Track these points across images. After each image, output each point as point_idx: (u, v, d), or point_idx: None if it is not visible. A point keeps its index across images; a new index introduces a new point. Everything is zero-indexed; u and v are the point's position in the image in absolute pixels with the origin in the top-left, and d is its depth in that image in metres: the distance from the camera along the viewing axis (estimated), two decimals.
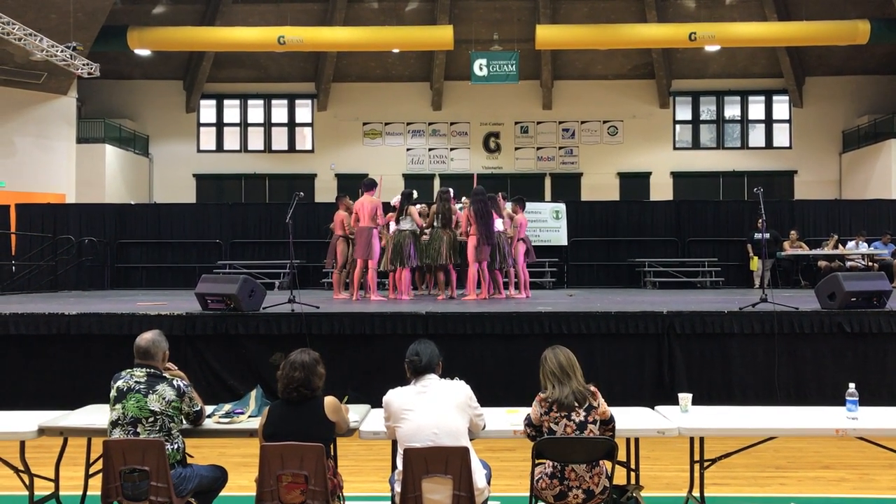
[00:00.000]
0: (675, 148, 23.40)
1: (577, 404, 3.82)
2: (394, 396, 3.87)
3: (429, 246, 10.36)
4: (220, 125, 23.73)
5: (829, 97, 22.74)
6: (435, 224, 10.36)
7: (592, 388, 3.92)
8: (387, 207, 10.88)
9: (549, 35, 20.02)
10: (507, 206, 11.12)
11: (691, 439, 4.45)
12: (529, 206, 12.92)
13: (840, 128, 22.73)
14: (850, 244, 14.53)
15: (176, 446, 3.98)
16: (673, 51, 22.33)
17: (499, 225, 10.42)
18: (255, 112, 23.79)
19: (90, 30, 18.02)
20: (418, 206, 11.06)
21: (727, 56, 22.42)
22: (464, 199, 11.67)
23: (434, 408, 3.76)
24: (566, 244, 15.63)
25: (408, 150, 23.33)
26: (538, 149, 23.24)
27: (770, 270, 13.75)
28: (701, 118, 23.61)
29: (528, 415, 3.99)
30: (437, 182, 22.12)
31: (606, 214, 16.20)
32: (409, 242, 10.19)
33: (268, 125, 23.79)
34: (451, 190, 10.66)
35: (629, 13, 21.39)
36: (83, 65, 16.79)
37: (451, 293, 10.58)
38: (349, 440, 4.30)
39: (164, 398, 3.96)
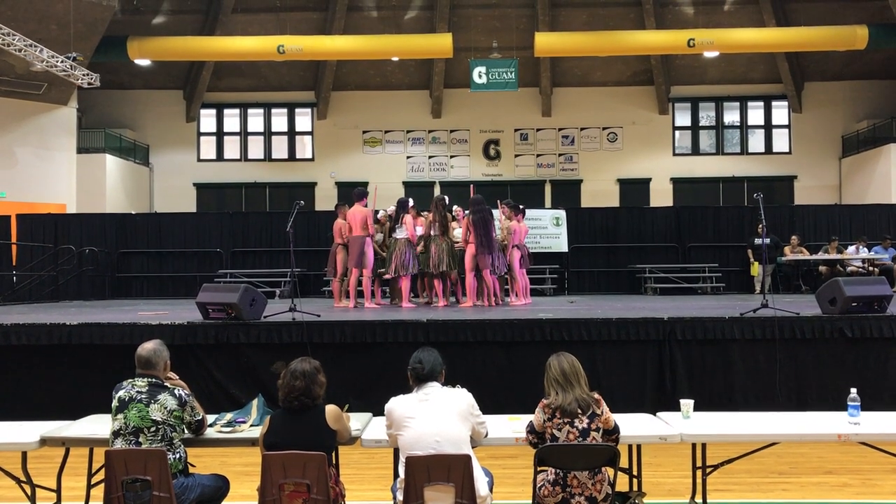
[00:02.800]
0: (674, 154, 23.42)
1: (580, 411, 3.82)
2: (396, 404, 3.87)
3: (426, 254, 10.40)
4: (220, 134, 23.77)
5: (828, 102, 22.77)
6: (432, 232, 10.38)
7: (596, 396, 3.92)
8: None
9: (548, 42, 20.07)
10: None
11: (693, 445, 4.44)
12: (529, 213, 12.93)
13: (839, 133, 22.76)
14: (851, 249, 14.52)
15: (178, 456, 3.98)
16: (672, 57, 22.37)
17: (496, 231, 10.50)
18: (255, 121, 23.83)
19: (90, 40, 18.06)
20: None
21: (726, 62, 22.46)
22: (455, 207, 11.67)
23: (436, 416, 3.75)
24: (566, 251, 15.63)
25: (408, 157, 23.36)
26: (538, 156, 23.27)
27: (771, 276, 13.79)
28: (700, 124, 23.64)
29: (531, 422, 3.98)
30: (437, 189, 22.15)
31: (606, 221, 16.19)
32: (405, 250, 10.26)
33: (268, 134, 23.83)
34: (446, 198, 10.71)
35: (628, 20, 21.44)
36: (83, 75, 16.84)
37: (445, 301, 10.61)
38: (351, 448, 4.30)
39: (165, 407, 3.96)
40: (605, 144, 23.24)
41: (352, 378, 7.18)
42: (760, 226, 8.72)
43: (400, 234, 10.34)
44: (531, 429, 3.97)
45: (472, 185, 11.60)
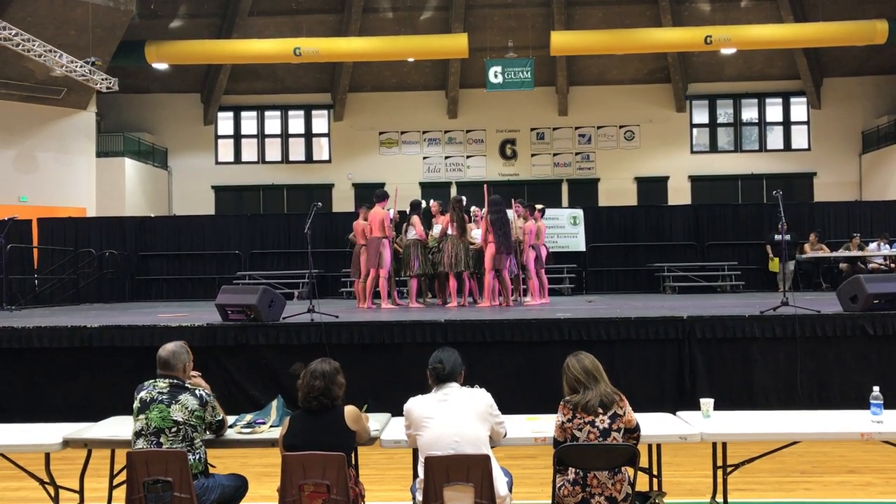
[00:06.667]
0: (692, 152, 23.29)
1: (601, 410, 3.79)
2: (414, 404, 3.87)
3: (443, 253, 10.40)
4: (237, 137, 23.91)
5: (847, 98, 22.56)
6: (449, 231, 10.37)
7: (620, 395, 3.89)
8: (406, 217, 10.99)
9: (563, 41, 20.02)
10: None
11: (714, 444, 4.41)
12: (547, 212, 12.89)
13: (859, 128, 22.54)
14: (872, 245, 14.37)
15: (198, 456, 4.01)
16: (689, 54, 22.25)
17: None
18: (273, 123, 23.94)
19: (109, 45, 18.23)
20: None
21: (743, 59, 22.31)
22: (473, 208, 11.66)
23: (455, 416, 3.75)
24: (584, 250, 15.58)
25: (424, 158, 23.39)
26: (555, 155, 23.22)
27: (791, 273, 13.66)
28: (718, 121, 23.49)
29: (554, 437, 3.92)
30: (453, 190, 22.12)
31: (624, 219, 16.12)
32: (413, 252, 10.30)
33: (285, 136, 23.93)
34: (463, 198, 10.70)
35: (644, 18, 21.35)
36: (102, 79, 16.98)
37: (463, 301, 10.60)
38: (370, 449, 4.30)
39: (186, 408, 3.99)
40: (622, 143, 23.15)
41: (370, 378, 7.19)
42: (781, 223, 8.63)
43: (410, 234, 10.40)
44: (555, 444, 3.89)
45: (485, 185, 11.53)
